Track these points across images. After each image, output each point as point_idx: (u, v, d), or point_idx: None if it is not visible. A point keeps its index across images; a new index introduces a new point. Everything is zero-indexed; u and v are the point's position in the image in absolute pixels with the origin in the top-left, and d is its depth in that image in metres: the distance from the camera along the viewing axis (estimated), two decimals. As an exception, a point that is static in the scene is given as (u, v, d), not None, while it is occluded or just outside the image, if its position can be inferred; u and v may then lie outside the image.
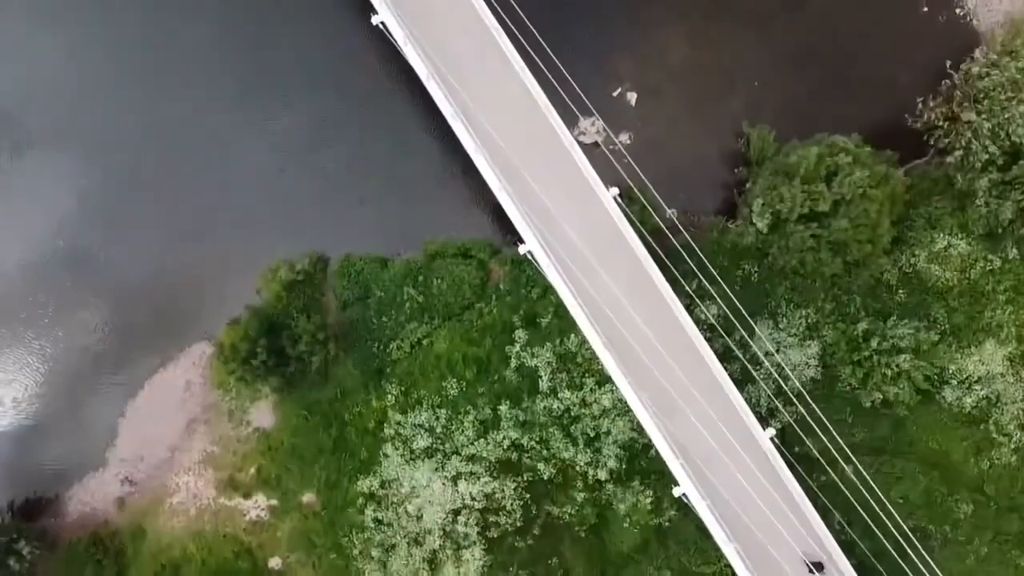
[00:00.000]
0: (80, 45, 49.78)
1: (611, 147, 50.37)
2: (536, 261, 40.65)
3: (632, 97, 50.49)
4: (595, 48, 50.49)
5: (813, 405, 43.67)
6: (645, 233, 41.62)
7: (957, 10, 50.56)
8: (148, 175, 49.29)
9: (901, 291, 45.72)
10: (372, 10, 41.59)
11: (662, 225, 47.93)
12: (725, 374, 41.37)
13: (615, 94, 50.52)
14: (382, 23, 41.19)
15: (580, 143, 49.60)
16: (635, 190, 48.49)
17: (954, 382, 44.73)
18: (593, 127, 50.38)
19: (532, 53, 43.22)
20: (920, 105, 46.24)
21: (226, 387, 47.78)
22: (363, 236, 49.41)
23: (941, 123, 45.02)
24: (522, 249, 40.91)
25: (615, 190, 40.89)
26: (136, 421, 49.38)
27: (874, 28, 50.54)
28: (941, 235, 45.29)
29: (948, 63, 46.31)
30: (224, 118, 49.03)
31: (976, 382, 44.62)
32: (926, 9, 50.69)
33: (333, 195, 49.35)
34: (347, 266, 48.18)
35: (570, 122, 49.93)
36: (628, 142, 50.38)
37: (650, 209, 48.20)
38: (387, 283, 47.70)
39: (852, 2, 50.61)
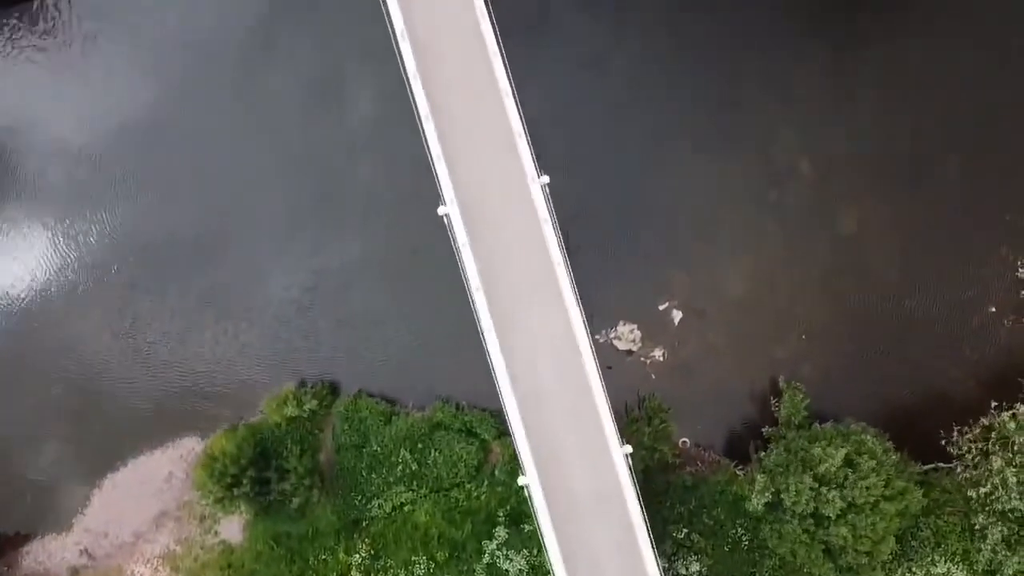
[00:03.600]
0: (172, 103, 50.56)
1: (643, 358, 49.81)
2: (531, 497, 40.03)
3: (677, 316, 49.62)
4: (656, 257, 49.78)
5: None
6: (638, 489, 40.62)
7: (1024, 320, 49.45)
8: (187, 266, 49.50)
9: (888, 603, 44.75)
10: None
11: (669, 457, 47.70)
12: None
13: (661, 307, 49.68)
14: (446, 216, 40.60)
15: (614, 346, 49.76)
16: (651, 408, 48.60)
17: None
18: (631, 334, 49.69)
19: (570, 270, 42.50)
20: (956, 434, 44.80)
21: (204, 492, 47.58)
22: (377, 377, 49.21)
23: (973, 454, 43.74)
24: (521, 480, 40.31)
25: (628, 448, 40.11)
26: (110, 496, 49.55)
27: (939, 314, 49.23)
28: (942, 560, 44.10)
29: (993, 403, 44.85)
30: (274, 236, 49.10)
31: None
32: (993, 309, 49.42)
33: (357, 333, 49.20)
34: (352, 411, 47.80)
35: (609, 323, 49.89)
36: (661, 359, 49.62)
37: (663, 431, 48.17)
38: (386, 440, 47.29)
39: (923, 281, 49.35)
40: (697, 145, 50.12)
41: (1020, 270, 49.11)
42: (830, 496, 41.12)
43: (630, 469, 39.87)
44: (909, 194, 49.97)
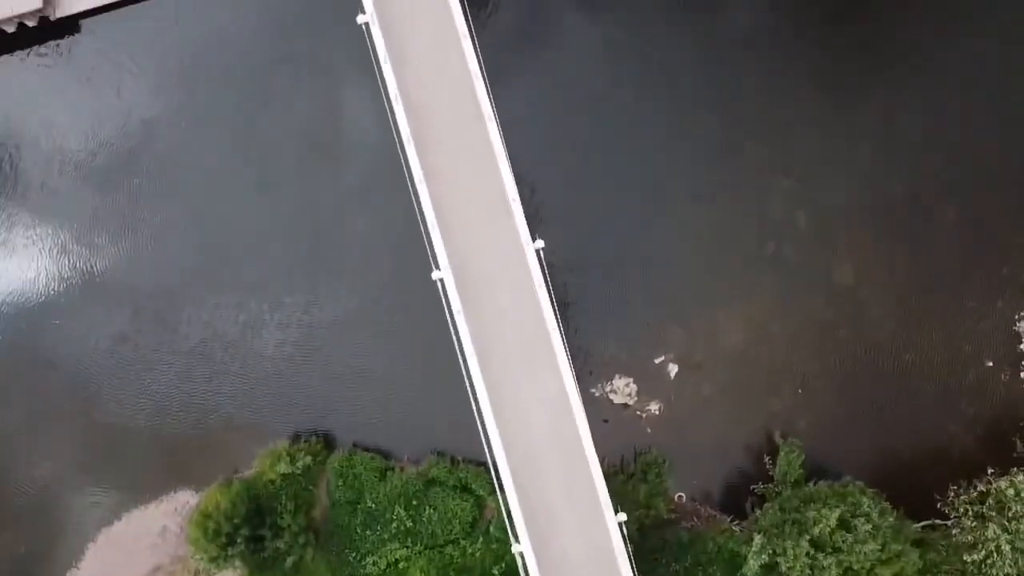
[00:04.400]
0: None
1: (639, 412, 49.61)
2: (524, 565, 39.80)
3: (673, 369, 49.41)
4: (652, 309, 49.65)
5: None
6: (632, 557, 40.37)
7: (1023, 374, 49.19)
8: (180, 318, 49.32)
9: (883, 665, 44.36)
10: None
11: (664, 513, 47.47)
12: None
13: (657, 361, 49.47)
14: (440, 280, 40.40)
15: (610, 400, 49.57)
16: (648, 462, 48.41)
17: None
18: (627, 388, 49.51)
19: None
20: (951, 494, 44.56)
21: (198, 550, 47.36)
22: (371, 432, 48.96)
23: (969, 518, 43.46)
24: (515, 548, 40.07)
25: (622, 516, 39.85)
26: (105, 551, 49.16)
27: (937, 367, 49.05)
28: (939, 621, 43.87)
29: (989, 470, 44.56)
30: (268, 290, 48.94)
31: None
32: (990, 363, 49.17)
33: (352, 388, 48.98)
34: (346, 466, 47.45)
35: (605, 377, 49.66)
36: (657, 412, 49.41)
37: (658, 486, 47.98)
38: (380, 497, 46.96)
39: (921, 333, 49.19)
40: (694, 196, 50.14)
41: (1017, 323, 48.98)
42: (826, 563, 40.88)
43: (624, 537, 39.66)
44: (906, 246, 49.88)
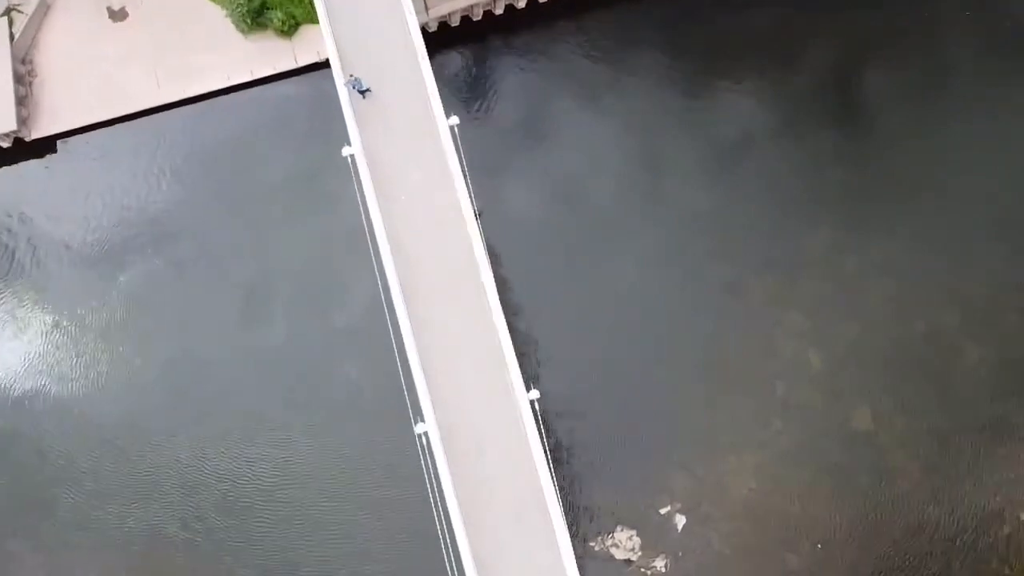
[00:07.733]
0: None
1: (643, 568, 45.41)
2: None
3: (680, 521, 45.47)
4: (656, 457, 45.81)
5: None
6: None
7: (1048, 541, 45.22)
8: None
9: None
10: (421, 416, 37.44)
11: None
12: None
13: (663, 511, 45.55)
14: (424, 435, 36.93)
15: (611, 555, 45.48)
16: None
17: None
18: (629, 541, 45.37)
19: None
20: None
21: None
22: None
23: None
24: None
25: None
26: None
27: (966, 522, 44.62)
28: None
29: None
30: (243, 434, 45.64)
31: None
32: (1007, 529, 45.32)
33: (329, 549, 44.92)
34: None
35: (606, 529, 45.71)
36: (664, 569, 45.17)
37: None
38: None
39: (947, 484, 45.04)
40: (697, 333, 47.11)
41: (1052, 474, 45.39)
42: None
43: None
44: (928, 388, 46.45)
